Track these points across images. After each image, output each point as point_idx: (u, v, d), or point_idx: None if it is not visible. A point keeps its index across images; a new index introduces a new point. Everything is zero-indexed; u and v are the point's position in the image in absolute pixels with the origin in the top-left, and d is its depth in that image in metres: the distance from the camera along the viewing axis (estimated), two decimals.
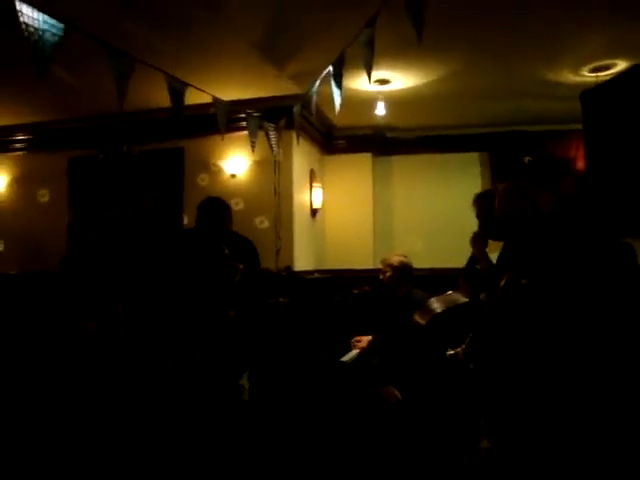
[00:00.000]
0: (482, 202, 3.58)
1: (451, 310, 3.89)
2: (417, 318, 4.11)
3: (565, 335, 2.30)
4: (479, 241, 3.47)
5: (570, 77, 5.31)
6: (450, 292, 4.07)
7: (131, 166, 6.46)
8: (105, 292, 4.99)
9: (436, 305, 4.10)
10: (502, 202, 2.73)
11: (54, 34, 2.34)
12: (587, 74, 5.19)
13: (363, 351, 4.86)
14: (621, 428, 2.23)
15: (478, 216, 3.59)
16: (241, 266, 3.84)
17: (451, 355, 3.26)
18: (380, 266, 4.91)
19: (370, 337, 4.91)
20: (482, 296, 3.18)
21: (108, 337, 4.81)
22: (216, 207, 4.26)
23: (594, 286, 2.27)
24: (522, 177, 2.78)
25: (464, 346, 3.12)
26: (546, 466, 2.42)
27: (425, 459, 4.01)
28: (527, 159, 3.80)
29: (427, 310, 4.09)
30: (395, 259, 4.76)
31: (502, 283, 2.66)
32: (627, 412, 2.23)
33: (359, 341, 4.98)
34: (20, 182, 6.82)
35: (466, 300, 3.75)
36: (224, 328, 3.81)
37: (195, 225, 4.32)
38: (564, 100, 5.36)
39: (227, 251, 3.86)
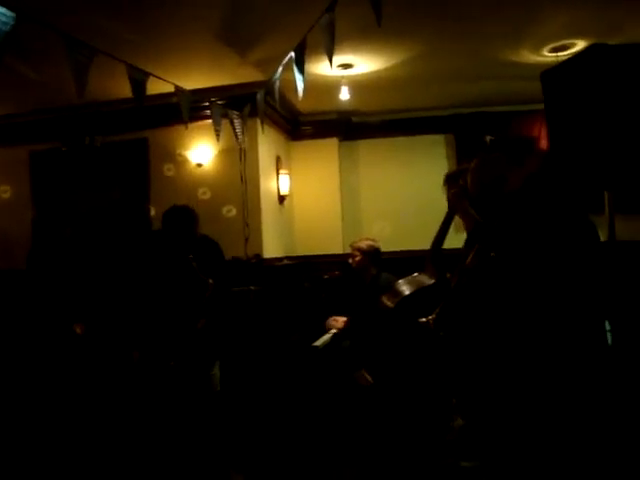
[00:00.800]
0: (452, 182, 3.63)
1: (418, 292, 3.93)
2: (385, 301, 4.14)
3: (530, 307, 2.36)
4: (461, 198, 3.38)
5: (531, 57, 5.36)
6: (416, 274, 4.11)
7: (95, 158, 6.36)
8: (81, 290, 4.91)
9: (404, 287, 4.14)
10: (474, 175, 2.76)
11: (5, 23, 2.28)
12: (547, 54, 5.25)
13: (336, 335, 4.88)
14: (583, 397, 2.29)
15: (448, 196, 3.63)
16: (211, 281, 3.80)
17: (421, 322, 3.29)
18: (349, 251, 4.94)
19: (346, 318, 4.93)
20: (449, 275, 3.23)
21: (95, 338, 4.74)
22: (182, 217, 4.03)
23: (558, 259, 2.32)
24: (490, 154, 2.78)
25: (434, 315, 3.16)
26: (520, 440, 2.47)
27: (399, 441, 4.06)
28: (489, 138, 3.83)
29: (395, 293, 4.13)
30: (364, 243, 4.80)
31: (470, 257, 2.71)
32: (588, 378, 2.29)
33: (336, 320, 5.00)
34: None
35: (432, 281, 3.80)
36: (194, 337, 3.78)
37: (162, 233, 4.20)
38: (526, 80, 5.38)
39: (195, 264, 3.78)
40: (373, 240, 4.86)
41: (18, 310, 5.53)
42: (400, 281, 4.21)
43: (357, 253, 4.78)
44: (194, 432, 3.68)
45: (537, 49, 5.17)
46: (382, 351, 4.29)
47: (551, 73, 3.92)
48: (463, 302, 2.86)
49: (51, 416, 4.50)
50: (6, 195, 6.56)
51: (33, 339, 5.13)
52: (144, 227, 5.97)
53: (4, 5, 2.29)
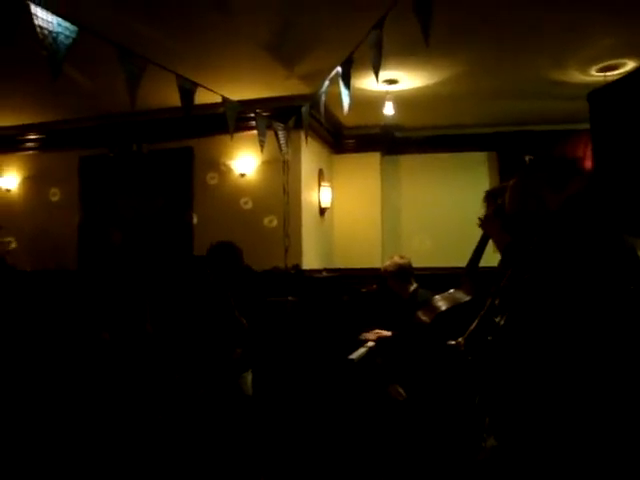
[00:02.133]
0: (492, 199, 3.62)
1: (454, 308, 3.91)
2: (421, 316, 4.13)
3: (564, 331, 2.32)
4: (491, 222, 3.41)
5: (578, 77, 5.32)
6: (452, 290, 4.09)
7: (141, 165, 6.51)
8: (128, 294, 5.02)
9: (440, 303, 4.12)
10: (512, 194, 2.74)
11: (67, 36, 2.37)
12: (595, 74, 5.20)
13: (372, 349, 4.87)
14: (624, 425, 2.25)
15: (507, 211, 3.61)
16: (244, 321, 3.91)
17: (451, 345, 3.27)
18: None
19: (385, 332, 4.88)
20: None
21: (122, 345, 4.84)
22: (227, 254, 4.14)
23: (594, 284, 2.29)
24: (530, 174, 2.76)
25: (465, 337, 3.14)
26: (553, 463, 2.43)
27: (431, 457, 4.03)
28: (528, 158, 3.80)
29: (431, 308, 4.12)
30: (389, 264, 4.73)
31: (505, 279, 2.68)
32: (630, 408, 2.25)
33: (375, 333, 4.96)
34: (32, 181, 6.89)
35: (469, 298, 3.78)
36: (229, 366, 3.89)
37: (207, 265, 4.23)
38: (572, 100, 5.34)
39: (233, 302, 3.91)
40: (401, 257, 4.79)
41: (65, 309, 5.68)
42: (436, 297, 4.19)
43: (386, 274, 4.74)
44: (227, 438, 3.71)
45: (585, 68, 5.13)
46: (416, 366, 4.28)
47: (599, 93, 3.88)
48: (494, 325, 2.83)
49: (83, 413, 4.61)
50: (55, 198, 6.75)
51: (72, 343, 5.27)
52: (186, 236, 6.06)
53: (66, 18, 2.38)
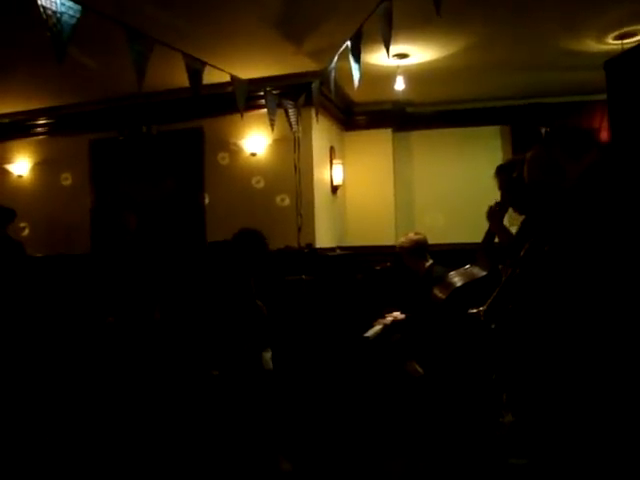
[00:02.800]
0: (503, 174, 3.58)
1: (471, 284, 3.89)
2: (437, 292, 4.12)
3: (584, 303, 2.29)
4: (496, 215, 3.46)
5: (594, 45, 5.19)
6: (468, 266, 4.07)
7: (151, 147, 6.49)
8: (143, 278, 5.02)
9: (456, 279, 4.11)
10: (531, 167, 2.70)
11: (72, 16, 2.34)
12: (612, 42, 5.07)
13: (387, 327, 4.86)
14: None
15: (500, 187, 3.59)
16: (261, 304, 3.90)
17: (472, 313, 3.24)
18: None
19: (396, 314, 4.90)
20: (501, 267, 3.17)
21: (127, 330, 4.86)
22: (254, 242, 4.04)
23: (615, 255, 2.25)
24: (548, 144, 2.72)
25: (485, 307, 3.11)
26: (570, 437, 2.41)
27: (448, 434, 4.03)
28: (544, 129, 3.75)
29: (447, 284, 4.10)
30: (404, 241, 4.72)
31: (524, 249, 2.65)
32: None
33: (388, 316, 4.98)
34: (43, 166, 6.90)
35: (484, 274, 3.75)
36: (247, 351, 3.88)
37: (230, 254, 4.12)
38: (587, 70, 5.25)
39: (254, 290, 3.90)
40: (416, 233, 4.77)
41: (76, 294, 5.70)
42: (452, 273, 4.17)
43: (401, 251, 4.72)
44: (245, 417, 3.72)
45: (601, 37, 5.00)
46: (433, 343, 4.26)
47: (616, 62, 3.80)
48: (515, 294, 2.80)
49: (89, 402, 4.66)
50: (67, 182, 6.75)
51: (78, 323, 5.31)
52: (198, 217, 6.05)
53: None
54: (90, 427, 4.41)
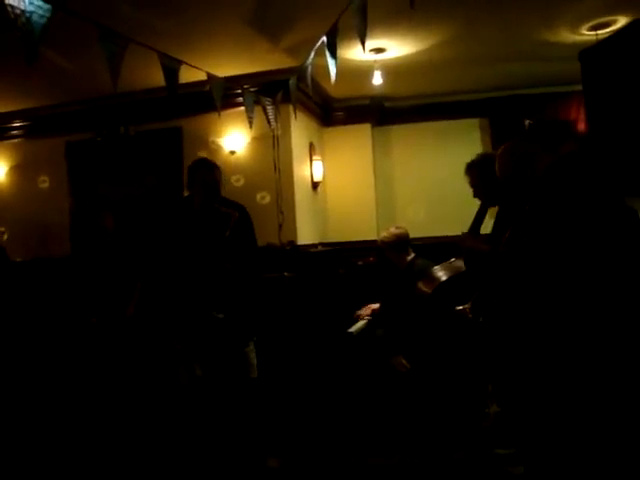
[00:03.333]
0: (473, 170, 3.63)
1: (456, 277, 3.90)
2: (422, 287, 4.12)
3: (564, 294, 2.30)
4: (468, 238, 3.41)
5: (569, 36, 5.21)
6: (453, 259, 4.08)
7: (129, 147, 6.43)
8: (122, 276, 4.99)
9: (441, 273, 4.12)
10: (501, 162, 2.71)
11: (41, 15, 2.30)
12: (586, 32, 5.09)
13: (371, 322, 4.87)
14: (625, 385, 2.24)
15: (472, 184, 3.62)
16: (237, 214, 3.73)
17: (459, 311, 3.26)
18: None
19: (377, 305, 4.92)
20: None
21: (111, 328, 4.83)
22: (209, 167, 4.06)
23: (593, 244, 2.26)
24: (522, 138, 2.74)
25: (471, 303, 3.13)
26: (556, 426, 2.43)
27: (436, 426, 4.05)
28: (528, 122, 3.80)
29: (432, 278, 4.11)
30: (386, 235, 4.73)
31: (503, 241, 2.66)
32: (629, 370, 2.24)
33: (367, 309, 5.00)
34: (19, 169, 6.80)
35: None
36: (226, 280, 3.72)
37: (188, 189, 4.16)
38: (564, 61, 5.28)
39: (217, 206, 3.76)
40: (397, 227, 4.78)
41: (58, 297, 5.66)
42: (437, 267, 4.19)
43: (383, 246, 4.73)
44: (230, 415, 3.70)
45: (575, 27, 5.02)
46: (419, 337, 4.28)
47: (590, 52, 3.83)
48: (498, 288, 2.82)
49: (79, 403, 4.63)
50: (45, 185, 6.68)
51: (61, 326, 5.26)
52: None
53: None
54: (75, 426, 4.39)
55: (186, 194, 4.24)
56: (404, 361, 4.35)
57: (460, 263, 3.91)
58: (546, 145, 2.59)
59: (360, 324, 4.90)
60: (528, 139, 2.63)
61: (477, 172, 3.63)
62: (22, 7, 2.21)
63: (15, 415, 4.62)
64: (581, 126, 6.20)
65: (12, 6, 2.17)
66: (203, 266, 3.67)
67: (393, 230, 4.70)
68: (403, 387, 4.27)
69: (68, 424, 4.52)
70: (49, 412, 4.73)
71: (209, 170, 3.95)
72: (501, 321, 2.81)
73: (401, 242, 4.65)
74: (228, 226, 3.60)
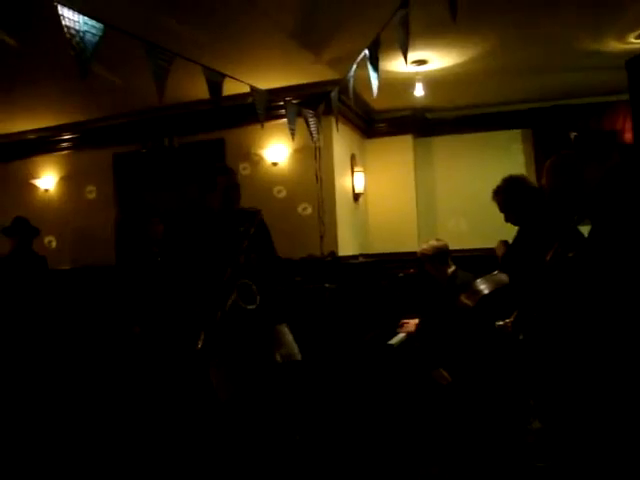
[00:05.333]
0: (500, 196, 3.78)
1: (498, 290, 3.86)
2: (464, 300, 4.09)
3: (611, 309, 2.26)
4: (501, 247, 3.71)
5: (615, 45, 5.11)
6: (495, 272, 4.04)
7: (174, 159, 6.55)
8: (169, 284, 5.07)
9: (483, 286, 4.09)
10: (549, 175, 2.69)
11: (94, 34, 2.39)
12: (634, 41, 4.98)
13: (411, 334, 4.85)
14: None
15: (501, 209, 3.71)
16: (252, 229, 3.72)
17: (500, 326, 3.24)
18: None
19: (417, 320, 4.90)
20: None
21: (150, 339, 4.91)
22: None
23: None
24: (568, 151, 2.72)
25: (512, 318, 3.10)
26: (597, 444, 2.38)
27: (477, 440, 4.00)
28: (573, 134, 3.78)
29: (474, 291, 4.08)
30: (426, 248, 4.70)
31: (549, 256, 2.63)
32: None
33: (407, 323, 4.99)
34: (68, 180, 7.01)
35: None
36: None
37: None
38: (609, 70, 5.21)
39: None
40: (437, 239, 4.76)
41: (102, 305, 5.79)
42: (478, 280, 4.15)
43: (423, 258, 4.71)
44: (272, 426, 3.71)
45: (622, 36, 4.93)
46: (461, 350, 4.24)
47: (638, 61, 3.76)
48: (541, 302, 2.78)
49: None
50: (92, 195, 6.85)
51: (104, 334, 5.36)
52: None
53: (92, 16, 2.39)
54: (119, 434, 4.48)
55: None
56: (445, 373, 4.32)
57: (502, 276, 3.89)
58: (592, 157, 2.56)
59: (400, 336, 4.88)
60: (574, 151, 2.61)
61: (503, 198, 3.72)
62: (77, 27, 2.31)
63: (56, 419, 4.74)
64: (627, 136, 6.09)
65: (68, 27, 2.27)
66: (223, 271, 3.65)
67: (433, 242, 4.69)
68: (444, 400, 4.24)
69: (109, 428, 4.61)
70: (91, 417, 4.84)
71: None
72: (543, 337, 2.78)
73: (441, 254, 4.62)
74: (242, 250, 3.60)
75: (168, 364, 4.73)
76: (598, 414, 2.34)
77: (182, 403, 4.52)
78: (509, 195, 3.71)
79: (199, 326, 3.62)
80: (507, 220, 3.77)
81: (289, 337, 3.88)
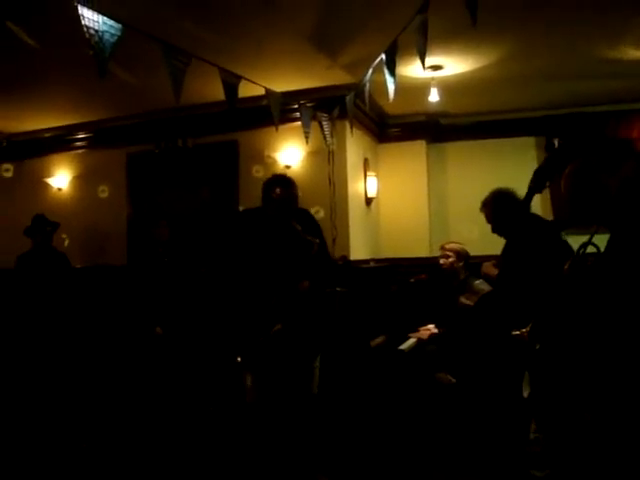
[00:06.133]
0: (488, 208, 4.03)
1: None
2: (465, 300, 4.16)
3: (631, 320, 2.23)
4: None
5: (633, 53, 5.08)
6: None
7: (187, 159, 6.57)
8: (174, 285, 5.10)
9: (483, 286, 4.14)
10: (566, 184, 2.66)
11: (113, 34, 2.41)
12: None
13: (422, 340, 4.84)
14: None
15: (489, 220, 4.01)
16: (317, 240, 3.68)
17: (516, 335, 3.22)
18: (438, 253, 4.90)
19: (431, 327, 4.88)
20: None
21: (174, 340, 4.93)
22: (286, 184, 3.94)
23: None
24: (585, 159, 2.70)
25: (529, 327, 3.08)
26: (608, 456, 2.36)
27: (477, 445, 3.99)
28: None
29: (474, 291, 4.15)
30: (457, 246, 4.76)
31: (567, 266, 2.61)
32: None
33: (422, 329, 4.98)
34: (81, 179, 7.05)
35: None
36: (299, 299, 3.67)
37: (262, 204, 3.96)
38: (626, 78, 5.18)
39: (299, 227, 3.68)
40: (461, 244, 4.81)
41: (114, 304, 5.81)
42: (477, 281, 4.22)
43: (451, 254, 4.72)
44: (288, 430, 3.69)
45: (639, 44, 4.90)
46: (465, 350, 4.25)
47: None
48: (560, 313, 2.75)
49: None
50: (104, 195, 6.87)
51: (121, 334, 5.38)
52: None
53: (111, 17, 2.40)
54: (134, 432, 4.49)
55: (241, 208, 4.22)
56: (449, 376, 4.32)
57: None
58: (608, 165, 2.54)
59: (411, 341, 4.86)
60: (591, 159, 2.59)
61: (491, 209, 3.79)
62: (96, 27, 2.32)
63: (70, 418, 4.76)
64: None
65: (87, 26, 2.28)
66: (276, 284, 3.64)
67: (462, 245, 4.78)
68: (448, 401, 4.24)
69: (124, 428, 4.63)
70: (107, 416, 4.86)
71: (288, 187, 3.87)
72: (562, 347, 2.75)
73: (468, 257, 4.72)
74: (309, 255, 3.59)
75: (203, 369, 4.76)
76: (611, 427, 2.31)
77: (211, 400, 4.55)
78: (496, 207, 3.80)
79: (244, 343, 3.67)
80: (494, 231, 3.87)
81: (317, 372, 3.87)
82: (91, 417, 4.88)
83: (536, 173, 3.48)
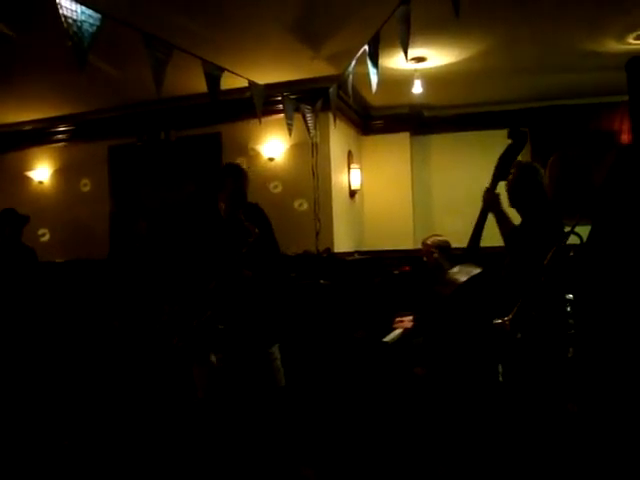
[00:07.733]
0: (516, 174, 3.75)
1: (471, 280, 3.87)
2: (441, 290, 4.14)
3: (612, 309, 2.25)
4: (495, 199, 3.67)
5: (615, 46, 5.12)
6: (460, 265, 4.06)
7: (169, 152, 6.52)
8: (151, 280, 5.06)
9: (458, 276, 4.11)
10: (553, 174, 2.67)
11: (92, 24, 2.36)
12: (633, 42, 4.99)
13: (407, 331, 4.84)
14: None
15: (508, 190, 3.74)
16: (257, 230, 3.66)
17: (497, 324, 3.23)
18: (421, 247, 4.89)
19: (412, 316, 4.89)
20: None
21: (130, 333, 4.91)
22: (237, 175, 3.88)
23: None
24: (567, 149, 2.72)
25: (511, 316, 3.09)
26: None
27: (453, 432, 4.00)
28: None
29: (450, 281, 4.12)
30: (437, 240, 4.72)
31: (550, 255, 2.62)
32: None
33: (401, 321, 4.98)
34: (63, 172, 6.97)
35: (480, 270, 3.74)
36: (242, 288, 3.65)
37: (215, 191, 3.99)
38: (608, 71, 5.20)
39: (242, 217, 3.59)
40: (441, 236, 4.79)
41: (90, 299, 5.77)
42: (451, 270, 4.20)
43: (434, 250, 4.71)
44: (262, 425, 3.67)
45: (622, 37, 4.93)
46: (440, 339, 4.25)
47: (638, 62, 3.75)
48: (543, 303, 2.77)
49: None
50: (86, 188, 6.82)
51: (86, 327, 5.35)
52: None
53: (90, 6, 2.36)
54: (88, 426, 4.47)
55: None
56: (420, 368, 4.34)
57: (470, 267, 3.91)
58: (591, 157, 2.56)
59: (395, 333, 4.86)
60: (573, 151, 2.60)
61: (517, 178, 3.67)
62: (74, 17, 2.28)
63: (30, 415, 4.72)
64: (625, 137, 6.09)
65: (65, 16, 2.24)
66: (220, 275, 3.61)
67: (442, 237, 4.75)
68: (421, 391, 4.25)
69: (82, 423, 4.61)
70: (63, 412, 4.83)
71: (238, 178, 3.82)
72: (543, 336, 2.77)
73: (449, 249, 4.69)
74: (247, 243, 3.54)
75: (146, 359, 4.73)
76: (594, 413, 2.33)
77: (160, 397, 4.52)
78: (523, 179, 3.64)
79: (179, 325, 3.61)
80: (512, 205, 3.73)
81: (277, 362, 3.77)
82: (64, 411, 4.84)
83: (500, 160, 3.50)
